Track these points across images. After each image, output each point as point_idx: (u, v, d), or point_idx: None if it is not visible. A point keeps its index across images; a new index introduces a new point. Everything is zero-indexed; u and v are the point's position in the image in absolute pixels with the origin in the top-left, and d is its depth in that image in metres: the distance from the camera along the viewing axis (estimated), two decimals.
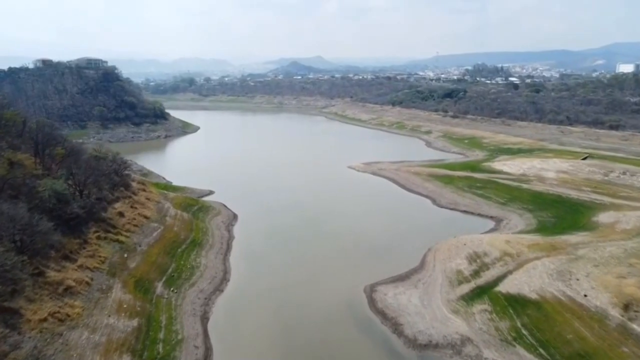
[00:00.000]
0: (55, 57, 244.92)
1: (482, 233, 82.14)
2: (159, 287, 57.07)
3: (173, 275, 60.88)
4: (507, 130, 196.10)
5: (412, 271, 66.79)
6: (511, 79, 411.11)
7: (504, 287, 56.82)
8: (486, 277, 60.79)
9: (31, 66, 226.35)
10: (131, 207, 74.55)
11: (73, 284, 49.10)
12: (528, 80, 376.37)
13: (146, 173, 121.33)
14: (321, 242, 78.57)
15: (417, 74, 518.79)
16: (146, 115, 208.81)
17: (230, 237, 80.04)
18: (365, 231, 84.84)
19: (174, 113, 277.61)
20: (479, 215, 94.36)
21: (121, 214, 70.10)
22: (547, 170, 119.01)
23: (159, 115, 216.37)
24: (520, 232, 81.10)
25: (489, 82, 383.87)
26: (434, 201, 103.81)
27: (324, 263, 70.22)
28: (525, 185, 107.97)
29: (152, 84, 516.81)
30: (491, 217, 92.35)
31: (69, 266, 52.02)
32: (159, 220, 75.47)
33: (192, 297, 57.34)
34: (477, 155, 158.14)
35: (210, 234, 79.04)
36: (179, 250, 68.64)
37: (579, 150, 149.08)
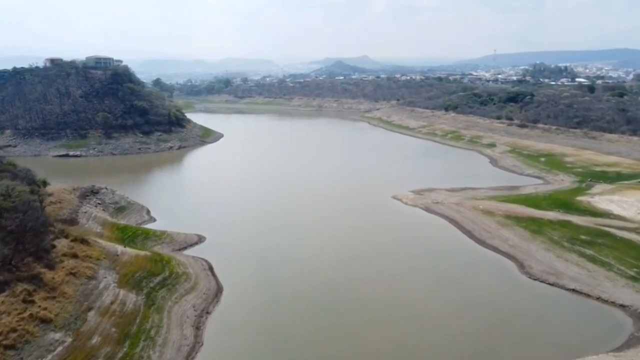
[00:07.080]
0: None
1: (619, 351, 47.92)
2: None
3: None
4: (593, 146, 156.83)
5: None
6: (579, 79, 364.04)
7: None
8: None
9: (41, 66, 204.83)
10: (24, 300, 44.40)
11: None
12: (599, 82, 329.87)
13: (123, 206, 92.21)
14: None
15: (470, 74, 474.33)
16: (158, 123, 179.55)
17: (195, 346, 48.61)
18: (418, 338, 51.53)
19: (204, 117, 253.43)
20: (600, 300, 59.33)
21: None
22: None
23: (174, 122, 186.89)
24: None
25: (553, 83, 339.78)
26: (521, 266, 69.27)
27: None
28: None
29: (188, 84, 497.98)
30: (623, 308, 57.30)
31: None
32: (69, 324, 44.79)
33: None
34: (562, 181, 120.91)
35: (161, 340, 47.86)
36: None
37: None
